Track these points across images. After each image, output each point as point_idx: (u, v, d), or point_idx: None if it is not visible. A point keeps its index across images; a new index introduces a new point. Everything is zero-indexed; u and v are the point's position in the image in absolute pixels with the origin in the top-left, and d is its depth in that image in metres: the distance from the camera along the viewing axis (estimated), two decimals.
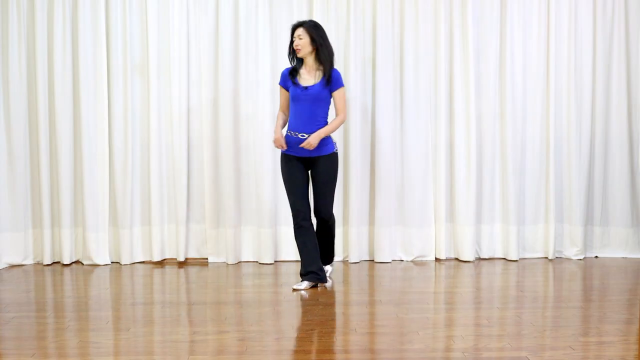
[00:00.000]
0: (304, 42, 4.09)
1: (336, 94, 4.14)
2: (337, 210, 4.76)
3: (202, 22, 4.88)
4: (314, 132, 4.06)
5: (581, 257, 5.05)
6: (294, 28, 4.14)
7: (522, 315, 3.58)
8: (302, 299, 3.95)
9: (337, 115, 4.17)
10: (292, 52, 4.17)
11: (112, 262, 4.99)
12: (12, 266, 4.89)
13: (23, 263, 4.94)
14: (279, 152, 4.96)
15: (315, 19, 4.79)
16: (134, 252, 4.98)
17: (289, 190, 4.19)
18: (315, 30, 4.10)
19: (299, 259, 4.30)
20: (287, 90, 4.20)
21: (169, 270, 4.79)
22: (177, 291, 4.20)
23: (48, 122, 4.86)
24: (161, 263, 4.99)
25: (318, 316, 3.58)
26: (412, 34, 4.95)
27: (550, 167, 5.00)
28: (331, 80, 4.10)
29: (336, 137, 4.50)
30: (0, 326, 3.41)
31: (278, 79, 4.93)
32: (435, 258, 5.06)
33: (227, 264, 4.94)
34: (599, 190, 5.11)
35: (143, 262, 5.01)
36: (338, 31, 4.90)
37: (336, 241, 4.90)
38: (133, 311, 3.70)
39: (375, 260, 4.98)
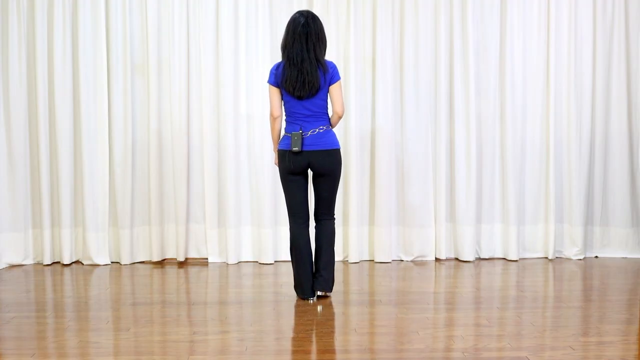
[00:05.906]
0: None
1: None
2: (337, 210, 4.75)
3: (202, 22, 4.88)
4: None
5: (581, 257, 5.05)
6: None
7: (522, 315, 3.58)
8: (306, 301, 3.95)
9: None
10: None
11: (112, 262, 4.99)
12: (12, 266, 4.89)
13: (23, 263, 4.94)
14: None
15: None
16: (134, 252, 4.98)
17: None
18: None
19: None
20: None
21: (169, 270, 4.79)
22: (177, 291, 4.19)
23: (48, 122, 4.87)
24: (161, 263, 4.99)
25: (318, 316, 3.59)
26: (412, 33, 4.95)
27: (550, 167, 5.00)
28: None
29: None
30: (0, 326, 3.42)
31: None
32: (435, 258, 5.06)
33: (227, 264, 4.94)
34: (599, 190, 5.11)
35: (143, 262, 5.01)
36: (338, 31, 4.90)
37: (336, 241, 4.90)
38: (133, 311, 3.70)
39: (375, 260, 4.98)
